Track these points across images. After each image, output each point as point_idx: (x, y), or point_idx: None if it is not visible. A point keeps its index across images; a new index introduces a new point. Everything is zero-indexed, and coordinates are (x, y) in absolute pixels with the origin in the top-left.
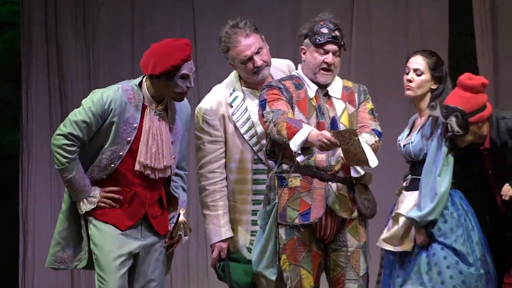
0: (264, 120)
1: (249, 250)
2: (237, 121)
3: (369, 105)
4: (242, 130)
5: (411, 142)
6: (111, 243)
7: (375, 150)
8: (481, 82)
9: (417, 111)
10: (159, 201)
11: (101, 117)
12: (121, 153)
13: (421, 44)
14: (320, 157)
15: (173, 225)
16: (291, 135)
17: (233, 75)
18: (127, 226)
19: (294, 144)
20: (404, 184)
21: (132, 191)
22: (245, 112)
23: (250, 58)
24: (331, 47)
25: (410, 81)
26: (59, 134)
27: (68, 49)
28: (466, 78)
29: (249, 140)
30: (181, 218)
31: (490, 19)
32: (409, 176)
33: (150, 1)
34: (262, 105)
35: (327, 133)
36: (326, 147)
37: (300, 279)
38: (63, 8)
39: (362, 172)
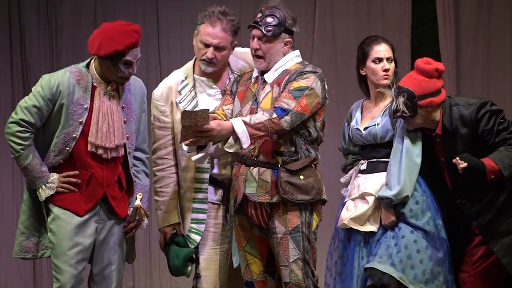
0: None
1: (188, 238)
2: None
3: (296, 83)
4: None
5: (377, 124)
6: (68, 231)
7: (266, 129)
8: (435, 67)
9: (374, 96)
10: (119, 183)
11: (50, 100)
12: (74, 135)
13: (383, 30)
14: None
15: (131, 209)
16: None
17: (191, 62)
18: (85, 210)
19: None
20: (362, 167)
21: (89, 172)
22: (192, 101)
23: (208, 46)
24: (254, 32)
25: (387, 70)
26: (11, 122)
27: (31, 35)
28: (422, 62)
29: None
30: (137, 202)
31: (453, 5)
32: (363, 161)
33: None
34: None
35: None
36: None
37: (247, 264)
38: None
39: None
